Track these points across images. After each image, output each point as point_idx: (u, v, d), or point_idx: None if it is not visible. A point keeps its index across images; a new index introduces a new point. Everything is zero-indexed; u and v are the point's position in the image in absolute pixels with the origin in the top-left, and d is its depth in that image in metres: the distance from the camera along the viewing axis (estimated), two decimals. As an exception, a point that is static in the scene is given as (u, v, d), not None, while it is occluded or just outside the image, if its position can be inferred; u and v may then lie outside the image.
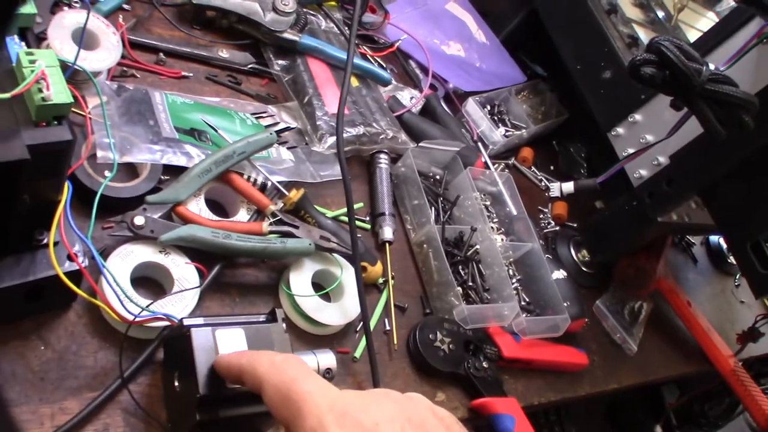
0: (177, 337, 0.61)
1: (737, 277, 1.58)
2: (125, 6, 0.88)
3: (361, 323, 0.80)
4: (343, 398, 0.48)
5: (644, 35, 1.17)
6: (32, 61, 0.50)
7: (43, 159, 0.50)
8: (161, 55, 0.88)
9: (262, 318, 0.65)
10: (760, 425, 1.21)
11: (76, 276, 0.58)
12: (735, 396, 1.25)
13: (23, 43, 0.57)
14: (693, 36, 1.29)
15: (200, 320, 0.61)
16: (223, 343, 0.59)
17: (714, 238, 1.59)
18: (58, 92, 0.50)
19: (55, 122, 0.51)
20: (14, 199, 0.52)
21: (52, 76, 0.50)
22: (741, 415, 1.88)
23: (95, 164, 0.69)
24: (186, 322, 0.60)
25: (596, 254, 1.16)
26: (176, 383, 0.61)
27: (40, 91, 0.49)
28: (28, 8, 0.57)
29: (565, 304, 0.98)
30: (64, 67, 0.70)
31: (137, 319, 0.61)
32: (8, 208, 0.53)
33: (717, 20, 1.23)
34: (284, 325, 0.64)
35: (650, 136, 1.01)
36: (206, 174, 0.73)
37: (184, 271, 0.68)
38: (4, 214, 0.53)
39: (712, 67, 0.78)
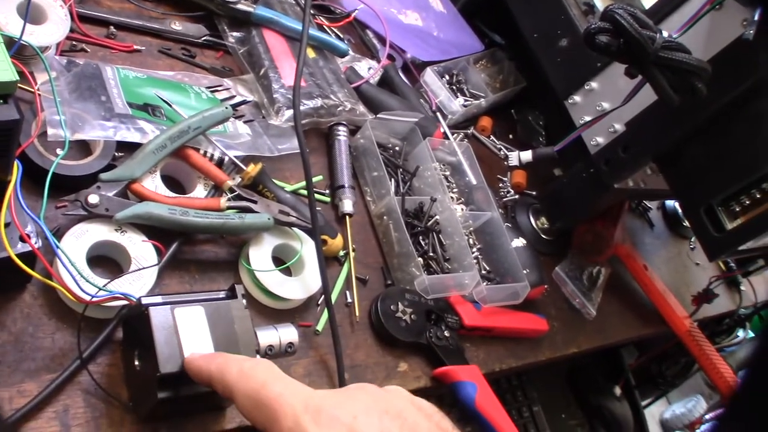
0: (135, 316, 0.61)
1: (692, 240, 1.61)
2: (72, -22, 0.86)
3: (323, 296, 0.80)
4: (317, 395, 0.47)
5: (600, 2, 1.18)
6: (-26, 39, 0.48)
7: (-10, 139, 0.48)
8: (112, 28, 0.85)
9: (221, 294, 0.65)
10: (721, 391, 1.24)
11: (29, 257, 0.58)
12: (690, 356, 1.29)
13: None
14: (648, 2, 1.30)
15: (158, 298, 0.60)
16: (183, 321, 0.59)
17: (670, 203, 1.62)
18: (3, 70, 0.49)
19: (1, 101, 0.49)
20: (-39, 180, 0.51)
21: (-5, 53, 0.49)
22: (697, 373, 1.94)
23: (46, 142, 0.68)
24: (144, 300, 0.60)
25: (555, 221, 1.18)
26: (136, 362, 0.61)
27: (-17, 69, 0.48)
28: (-31, -18, 0.56)
29: (524, 272, 1.00)
30: (10, 42, 0.68)
31: (94, 299, 0.60)
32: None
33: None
34: (244, 300, 0.64)
35: (606, 104, 1.02)
36: (161, 150, 0.72)
37: (141, 249, 0.67)
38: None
39: (665, 34, 0.79)
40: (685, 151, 0.97)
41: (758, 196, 0.91)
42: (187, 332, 0.59)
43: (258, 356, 0.63)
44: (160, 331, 0.57)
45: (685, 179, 0.99)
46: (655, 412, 2.35)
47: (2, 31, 0.68)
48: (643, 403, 1.77)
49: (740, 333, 1.79)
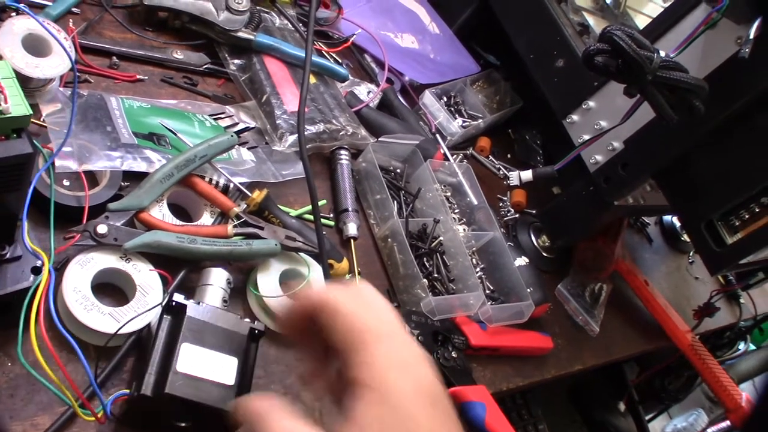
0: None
1: (691, 254, 1.62)
2: (75, 9, 0.86)
3: (330, 320, 0.80)
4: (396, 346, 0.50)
5: (594, 23, 1.19)
6: (-13, 74, 0.49)
7: (3, 173, 0.49)
8: (114, 58, 0.86)
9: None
10: (725, 404, 1.24)
11: (41, 289, 0.58)
12: (693, 370, 1.29)
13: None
14: (641, 21, 1.31)
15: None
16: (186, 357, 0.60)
17: (667, 218, 1.63)
18: (16, 104, 0.49)
19: (14, 135, 0.50)
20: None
21: (8, 88, 0.49)
22: (699, 387, 1.94)
23: (54, 174, 0.68)
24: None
25: (556, 239, 1.18)
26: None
27: (-2, 104, 0.48)
28: (-23, 18, 0.56)
29: (528, 290, 1.00)
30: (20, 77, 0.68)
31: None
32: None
33: (663, 5, 1.25)
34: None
35: (604, 122, 1.03)
36: (168, 179, 0.72)
37: (146, 278, 0.68)
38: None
39: (662, 54, 0.80)
40: (684, 168, 0.98)
41: (757, 210, 0.92)
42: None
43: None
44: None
45: (684, 195, 1.00)
46: (656, 427, 2.34)
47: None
48: (646, 417, 1.77)
49: (741, 346, 1.80)
